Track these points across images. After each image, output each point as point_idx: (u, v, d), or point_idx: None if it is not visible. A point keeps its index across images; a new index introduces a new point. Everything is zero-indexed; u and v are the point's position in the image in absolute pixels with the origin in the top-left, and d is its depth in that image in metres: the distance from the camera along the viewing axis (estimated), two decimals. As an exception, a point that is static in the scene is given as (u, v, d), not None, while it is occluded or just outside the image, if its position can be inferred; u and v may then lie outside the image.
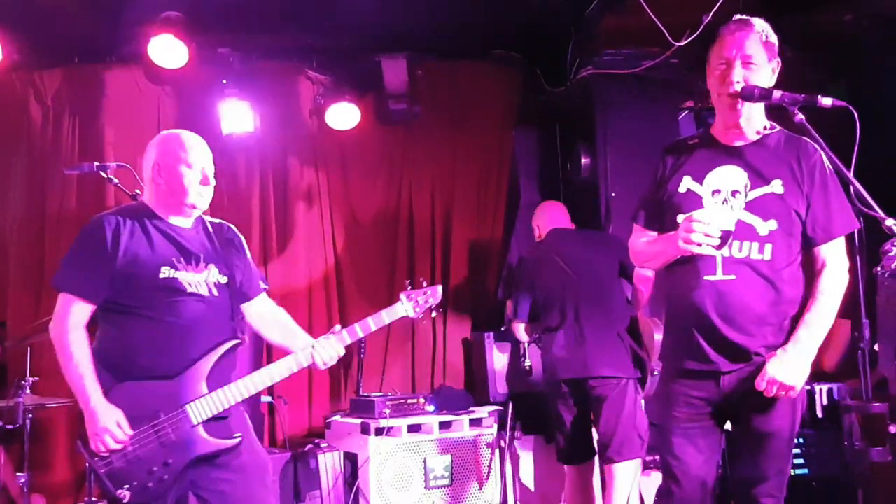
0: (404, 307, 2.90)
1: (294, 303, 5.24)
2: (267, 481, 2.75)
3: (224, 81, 4.96)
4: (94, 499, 3.66)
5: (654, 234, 2.71)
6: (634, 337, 3.96)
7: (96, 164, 3.43)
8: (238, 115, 4.97)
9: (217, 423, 2.66)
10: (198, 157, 2.77)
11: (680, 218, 2.51)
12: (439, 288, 2.94)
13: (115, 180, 3.43)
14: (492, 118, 5.66)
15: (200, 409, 2.62)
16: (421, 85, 5.28)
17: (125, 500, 2.52)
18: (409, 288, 2.94)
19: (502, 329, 5.05)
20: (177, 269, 2.68)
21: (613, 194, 4.90)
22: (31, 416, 3.94)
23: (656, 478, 4.03)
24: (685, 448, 2.57)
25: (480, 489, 4.19)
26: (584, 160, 5.13)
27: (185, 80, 5.03)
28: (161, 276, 2.65)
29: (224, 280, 2.78)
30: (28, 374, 4.00)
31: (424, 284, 2.96)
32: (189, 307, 2.67)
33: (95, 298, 2.63)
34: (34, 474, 4.02)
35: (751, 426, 2.52)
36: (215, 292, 2.74)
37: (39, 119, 4.93)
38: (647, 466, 4.01)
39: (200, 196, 2.76)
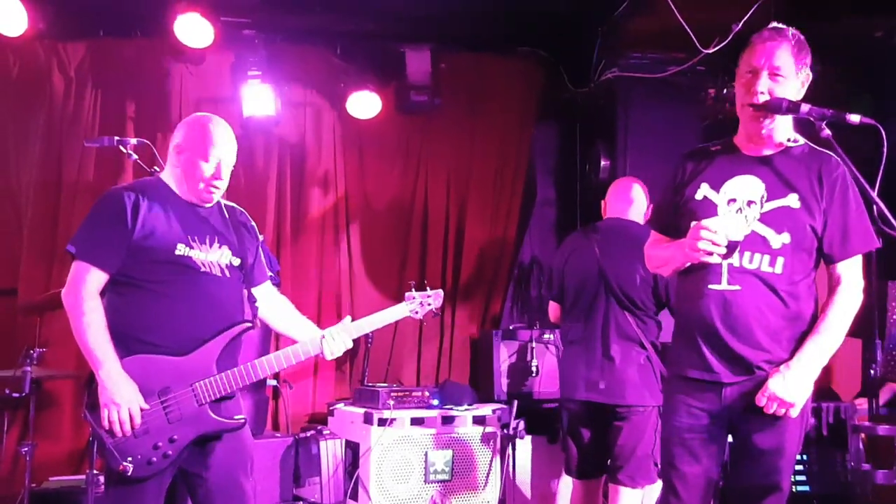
0: (407, 308, 2.95)
1: (304, 288, 5.25)
2: (249, 470, 2.76)
3: (249, 66, 4.95)
4: (95, 471, 3.68)
5: (669, 240, 2.69)
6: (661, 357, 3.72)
7: (116, 138, 3.44)
8: (260, 98, 4.96)
9: (222, 403, 2.68)
10: (219, 151, 2.75)
11: (693, 225, 2.49)
12: (441, 293, 3.00)
13: (135, 156, 3.44)
14: (512, 114, 5.64)
15: (209, 388, 2.64)
16: (443, 77, 5.26)
17: (127, 473, 2.54)
18: (414, 289, 2.98)
19: (510, 327, 5.03)
20: (191, 247, 2.69)
21: (631, 199, 4.86)
22: (37, 385, 3.96)
23: (656, 486, 4.00)
24: (684, 458, 2.55)
25: (480, 487, 4.18)
26: (603, 162, 5.10)
27: (209, 60, 5.04)
28: (176, 252, 2.65)
29: (237, 262, 2.79)
30: (37, 345, 4.02)
31: (428, 288, 3.00)
32: (201, 286, 2.68)
33: (111, 268, 2.63)
34: (38, 444, 4.04)
35: (751, 441, 2.49)
36: (227, 273, 2.75)
37: (62, 90, 4.93)
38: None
39: (209, 190, 2.75)
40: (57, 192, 4.90)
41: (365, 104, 5.21)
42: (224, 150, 2.77)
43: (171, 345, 2.63)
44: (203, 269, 2.69)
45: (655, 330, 3.75)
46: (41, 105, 4.94)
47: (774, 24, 2.54)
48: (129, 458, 2.54)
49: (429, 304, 2.96)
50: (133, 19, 4.96)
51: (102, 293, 2.67)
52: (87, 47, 4.98)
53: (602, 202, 4.02)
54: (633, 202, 3.90)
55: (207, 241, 2.72)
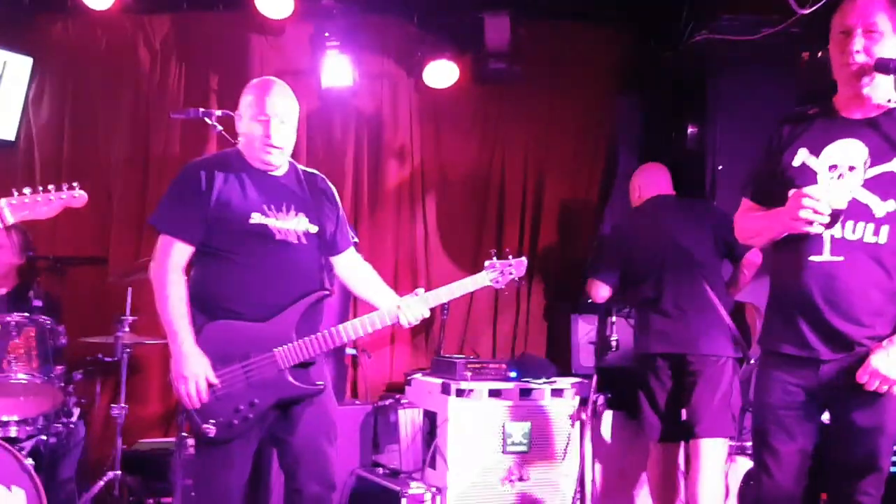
0: (488, 277, 2.88)
1: (381, 259, 5.26)
2: (332, 436, 2.79)
3: (326, 34, 4.96)
4: (184, 434, 3.79)
5: (763, 208, 2.57)
6: (736, 322, 3.74)
7: (201, 109, 3.49)
8: (338, 69, 4.98)
9: (302, 369, 2.72)
10: (272, 108, 2.72)
11: (791, 193, 2.37)
12: (524, 261, 2.91)
13: (219, 127, 3.48)
14: (593, 81, 5.49)
15: (288, 354, 2.68)
16: (522, 44, 5.14)
17: (210, 435, 2.62)
18: (495, 258, 2.91)
19: (588, 301, 4.93)
20: (266, 215, 2.71)
21: (720, 167, 4.68)
22: (128, 351, 4.11)
23: (742, 464, 3.89)
24: (778, 435, 2.46)
25: (559, 459, 4.14)
26: (690, 129, 4.92)
27: (288, 31, 5.07)
28: (251, 221, 2.69)
29: (314, 229, 2.80)
30: (128, 312, 4.16)
31: (510, 256, 2.92)
32: (277, 254, 2.71)
33: (193, 240, 2.70)
34: (129, 407, 4.19)
35: (850, 419, 2.39)
36: (304, 240, 2.77)
37: (147, 63, 5.06)
38: (732, 452, 3.86)
39: (265, 150, 2.73)
40: (145, 163, 5.03)
41: (442, 73, 5.16)
42: (272, 107, 2.71)
43: (251, 312, 2.67)
44: (279, 236, 2.71)
45: (726, 295, 3.84)
46: (128, 78, 5.07)
47: None
48: (212, 421, 2.62)
49: (511, 274, 2.89)
50: (216, -9, 5.03)
51: (190, 265, 2.73)
52: (171, 20, 5.09)
53: (633, 186, 4.17)
54: (667, 180, 4.11)
55: (284, 208, 2.74)
